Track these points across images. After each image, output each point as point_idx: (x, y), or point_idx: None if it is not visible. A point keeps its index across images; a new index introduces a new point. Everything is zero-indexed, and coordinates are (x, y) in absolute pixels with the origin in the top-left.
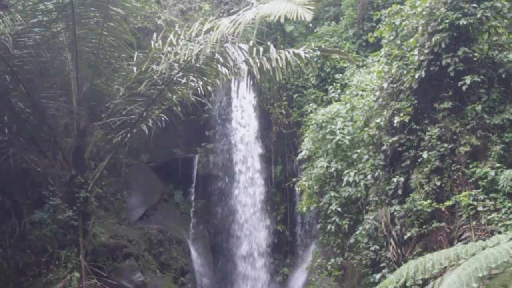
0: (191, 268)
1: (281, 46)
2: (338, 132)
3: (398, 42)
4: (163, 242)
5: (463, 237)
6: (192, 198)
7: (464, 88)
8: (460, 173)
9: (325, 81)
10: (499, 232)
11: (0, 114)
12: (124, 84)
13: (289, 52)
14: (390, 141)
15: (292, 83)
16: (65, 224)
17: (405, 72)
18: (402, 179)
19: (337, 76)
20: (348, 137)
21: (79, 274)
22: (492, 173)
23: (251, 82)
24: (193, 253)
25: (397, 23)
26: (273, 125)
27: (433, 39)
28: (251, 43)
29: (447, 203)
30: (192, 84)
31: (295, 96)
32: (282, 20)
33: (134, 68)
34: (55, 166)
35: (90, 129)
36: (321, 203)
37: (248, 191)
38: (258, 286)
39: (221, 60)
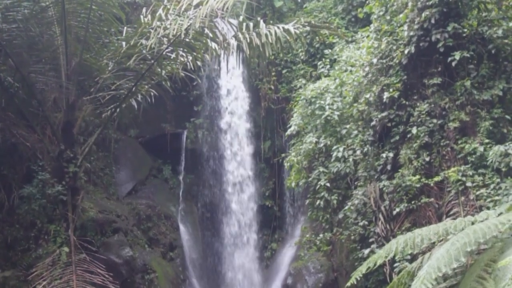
0: (180, 243)
1: (271, 22)
2: (327, 107)
3: (388, 17)
4: (151, 217)
5: (451, 212)
6: (181, 173)
7: (453, 64)
8: (449, 149)
9: (314, 57)
10: (488, 208)
11: None
12: (113, 59)
13: (278, 27)
14: (379, 116)
15: (281, 58)
16: (54, 198)
17: (394, 47)
18: (391, 154)
19: (326, 51)
20: (337, 113)
21: (68, 248)
22: (481, 148)
23: (241, 58)
24: (182, 228)
25: None
26: (262, 100)
27: (423, 15)
28: (240, 18)
29: (436, 178)
30: (182, 59)
31: (284, 71)
32: None
33: (123, 43)
34: (44, 140)
35: (79, 103)
36: (310, 179)
37: (237, 166)
38: (246, 261)
39: (211, 35)
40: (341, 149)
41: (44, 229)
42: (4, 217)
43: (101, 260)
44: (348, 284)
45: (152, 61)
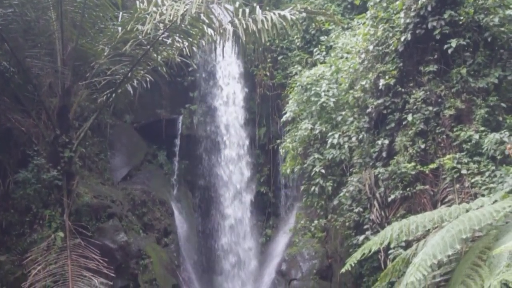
0: (174, 229)
1: (267, 8)
2: (322, 94)
3: (384, 4)
4: (146, 202)
5: (446, 199)
6: (176, 159)
7: (449, 51)
8: (444, 136)
9: (310, 43)
10: (483, 195)
11: None
12: (109, 44)
13: (274, 13)
14: (375, 103)
15: (277, 45)
16: (49, 183)
17: (390, 34)
18: (386, 141)
19: (322, 38)
20: (333, 99)
21: (63, 233)
22: (476, 136)
23: (236, 44)
24: (177, 214)
25: None
26: (258, 87)
27: (420, 2)
28: (237, 4)
29: (431, 165)
30: (178, 44)
31: (279, 58)
32: None
33: (119, 28)
34: (39, 125)
35: (74, 88)
36: (305, 165)
37: (232, 153)
38: (241, 246)
39: (207, 21)
40: (336, 135)
41: (39, 214)
42: None
43: (96, 245)
44: (343, 270)
45: (148, 47)
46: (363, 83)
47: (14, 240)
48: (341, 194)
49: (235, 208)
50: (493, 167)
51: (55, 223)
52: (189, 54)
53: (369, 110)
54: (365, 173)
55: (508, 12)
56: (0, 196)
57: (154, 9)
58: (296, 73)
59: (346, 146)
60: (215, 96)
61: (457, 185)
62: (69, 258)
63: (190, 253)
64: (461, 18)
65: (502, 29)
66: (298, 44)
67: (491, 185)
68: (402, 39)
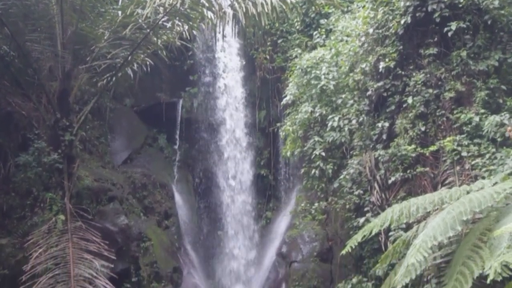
0: (175, 212)
1: None
2: (322, 77)
3: None
4: (147, 185)
5: (447, 182)
6: (176, 142)
7: (449, 34)
8: (444, 119)
9: (310, 27)
10: (483, 177)
11: None
12: (109, 28)
13: None
14: (375, 86)
15: (277, 28)
16: (50, 167)
17: (390, 17)
18: (386, 124)
19: (322, 21)
20: (333, 82)
21: (64, 216)
22: (477, 118)
23: (236, 27)
24: (177, 197)
25: None
26: (257, 70)
27: None
28: None
29: (432, 148)
30: (178, 28)
31: (279, 41)
32: None
33: (119, 12)
34: (39, 109)
35: (75, 72)
36: (305, 148)
37: (232, 136)
38: (241, 229)
39: (207, 4)
40: (336, 118)
41: (40, 197)
42: (0, 185)
43: (97, 228)
44: (343, 252)
45: (148, 30)
46: (363, 66)
47: (15, 223)
48: (342, 176)
49: (235, 191)
50: (494, 149)
51: (56, 206)
52: (189, 38)
53: (369, 92)
54: (366, 156)
55: None
56: (1, 180)
57: None
58: (296, 56)
59: (346, 128)
60: (215, 80)
61: (458, 167)
62: (70, 241)
63: (191, 235)
64: (461, 1)
65: (502, 11)
66: (298, 27)
67: (492, 167)
68: (402, 22)
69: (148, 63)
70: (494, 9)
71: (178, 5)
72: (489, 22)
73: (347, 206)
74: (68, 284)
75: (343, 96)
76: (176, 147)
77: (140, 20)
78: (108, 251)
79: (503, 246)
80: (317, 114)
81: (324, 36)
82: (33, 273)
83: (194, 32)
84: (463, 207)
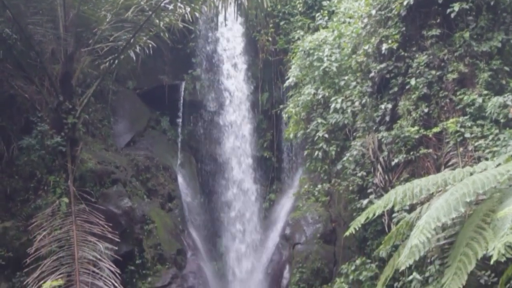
0: (178, 194)
1: None
2: (325, 59)
3: None
4: (150, 168)
5: (450, 163)
6: (179, 124)
7: (452, 15)
8: (447, 100)
9: (312, 8)
10: (486, 159)
11: None
12: (111, 10)
13: None
14: (378, 68)
15: (279, 10)
16: (53, 149)
17: None
18: (389, 105)
19: (324, 3)
20: (336, 64)
21: (67, 199)
22: (480, 100)
23: (239, 9)
24: (180, 179)
25: None
26: (260, 52)
27: None
28: None
29: (435, 129)
30: (180, 10)
31: (282, 23)
32: None
33: None
34: (42, 92)
35: (77, 55)
36: (308, 130)
37: (235, 118)
38: (245, 211)
39: None
40: (339, 100)
41: (43, 180)
42: (3, 168)
43: (100, 211)
44: (347, 234)
45: (150, 13)
46: (366, 47)
47: (19, 206)
48: (345, 158)
49: (239, 173)
50: (497, 131)
51: (59, 189)
52: (191, 20)
53: (372, 74)
54: (369, 137)
55: None
56: (5, 163)
57: None
58: (298, 38)
59: (349, 110)
60: (218, 62)
61: (461, 149)
62: (74, 224)
63: (194, 217)
64: None
65: None
66: (300, 9)
67: (495, 149)
68: (405, 3)
69: (150, 45)
70: None
71: None
72: (492, 3)
73: (350, 188)
74: (72, 267)
75: (346, 78)
76: (179, 129)
77: (142, 2)
78: (112, 234)
79: (506, 227)
80: (320, 96)
81: (326, 18)
82: (37, 256)
83: (197, 14)
84: (467, 189)
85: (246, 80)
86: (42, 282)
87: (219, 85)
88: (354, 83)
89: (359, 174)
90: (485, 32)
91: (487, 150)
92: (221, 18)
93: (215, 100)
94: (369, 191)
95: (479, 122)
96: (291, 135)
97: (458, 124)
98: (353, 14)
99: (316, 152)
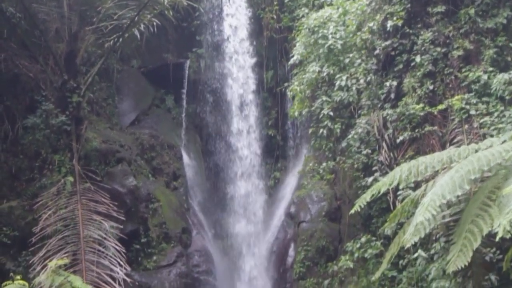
0: (183, 173)
1: None
2: (330, 36)
3: None
4: (155, 147)
5: (455, 140)
6: (184, 103)
7: None
8: (452, 77)
9: None
10: (492, 136)
11: None
12: None
13: None
14: (383, 45)
15: None
16: (58, 129)
17: None
18: (394, 83)
19: None
20: (340, 42)
21: (72, 178)
22: (485, 77)
23: None
24: (185, 158)
25: None
26: (264, 30)
27: None
28: None
29: (440, 106)
30: None
31: (286, 0)
32: None
33: None
34: (46, 71)
35: (81, 34)
36: (313, 108)
37: (240, 96)
38: (250, 189)
39: None
40: (344, 78)
41: (48, 159)
42: (8, 147)
43: (105, 190)
44: (352, 211)
45: None
46: (371, 24)
47: (24, 185)
48: (350, 136)
49: (244, 151)
50: (502, 108)
51: (64, 168)
52: None
53: (377, 51)
54: (374, 115)
55: None
56: (9, 142)
57: None
58: (303, 16)
59: (354, 88)
60: (222, 40)
61: (466, 126)
62: (79, 203)
63: (199, 196)
64: None
65: None
66: None
67: (500, 125)
68: None
69: (154, 23)
70: None
71: None
72: None
73: (355, 166)
74: (77, 245)
75: (351, 55)
76: (183, 108)
77: None
78: (117, 212)
79: (511, 204)
80: (325, 74)
81: None
82: (42, 235)
83: None
84: (472, 166)
85: (251, 58)
86: (47, 261)
87: (224, 63)
88: (359, 61)
89: (364, 152)
90: (490, 9)
91: (492, 127)
92: None
93: (220, 78)
94: (374, 168)
95: (484, 99)
96: (296, 113)
97: (463, 101)
98: None
99: (321, 130)
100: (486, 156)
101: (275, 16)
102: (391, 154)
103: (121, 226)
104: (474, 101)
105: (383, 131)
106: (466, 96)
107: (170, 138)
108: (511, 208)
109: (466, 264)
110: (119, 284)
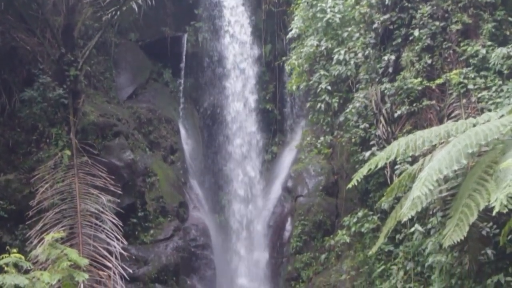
0: (180, 147)
1: None
2: (328, 10)
3: None
4: (152, 120)
5: (453, 114)
6: (182, 77)
7: None
8: (451, 51)
9: None
10: (489, 110)
11: None
12: None
13: None
14: (381, 19)
15: None
16: (55, 102)
17: None
18: (393, 57)
19: None
20: (339, 15)
21: (69, 151)
22: (483, 51)
23: None
24: (182, 132)
25: None
26: (263, 3)
27: None
28: None
29: (438, 81)
30: None
31: None
32: None
33: None
34: (44, 44)
35: (79, 7)
36: (311, 82)
37: (238, 70)
38: (247, 163)
39: None
40: (342, 52)
41: (45, 132)
42: (5, 120)
43: (103, 163)
44: (349, 186)
45: None
46: None
47: (21, 158)
48: (347, 110)
49: (241, 125)
50: (500, 82)
51: (61, 141)
52: None
53: (375, 25)
54: (371, 89)
55: None
56: (7, 115)
57: None
58: None
59: (352, 62)
60: (220, 14)
61: (464, 100)
62: (76, 176)
63: (197, 170)
64: None
65: None
66: None
67: (498, 100)
68: None
69: None
70: None
71: None
72: None
73: (353, 140)
74: (74, 219)
75: (349, 29)
76: (181, 81)
77: None
78: (114, 186)
79: (509, 178)
80: (323, 48)
81: None
82: (39, 208)
83: None
84: (469, 140)
85: (249, 31)
86: (44, 234)
87: (222, 37)
88: (357, 35)
89: (362, 126)
90: None
91: (490, 101)
92: None
93: (218, 52)
94: (371, 143)
95: (482, 73)
96: (294, 87)
97: (462, 76)
98: None
99: (319, 104)
100: (483, 130)
101: None
102: (389, 129)
103: (118, 200)
104: (472, 75)
105: (381, 105)
106: (464, 70)
107: (168, 112)
108: (508, 182)
109: (462, 238)
110: (116, 258)
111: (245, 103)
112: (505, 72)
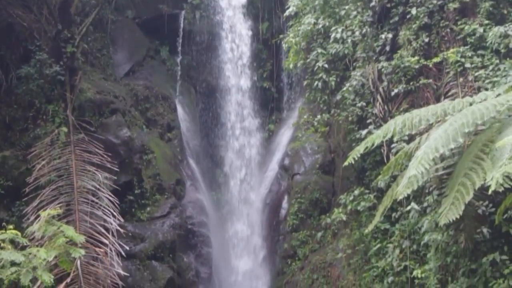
0: (177, 124)
1: None
2: None
3: None
4: (149, 98)
5: (450, 93)
6: (179, 54)
7: None
8: (448, 30)
9: None
10: (486, 89)
11: None
12: None
13: None
14: None
15: None
16: (52, 79)
17: None
18: (390, 35)
19: None
20: None
21: (66, 128)
22: (481, 30)
23: None
24: (180, 109)
25: None
26: None
27: None
28: None
29: (435, 59)
30: None
31: None
32: None
33: None
34: (41, 20)
35: None
36: (308, 60)
37: (235, 47)
38: (244, 141)
39: None
40: (339, 30)
41: (42, 109)
42: (2, 97)
43: (100, 140)
44: (345, 164)
45: None
46: None
47: (18, 135)
48: (344, 88)
49: (238, 102)
50: (497, 61)
51: (58, 118)
52: None
53: (372, 3)
54: (369, 67)
55: None
56: (3, 92)
57: None
58: None
59: (349, 40)
60: None
61: (461, 79)
62: (73, 153)
63: (193, 148)
64: None
65: None
66: None
67: (495, 79)
68: None
69: None
70: None
71: None
72: None
73: (350, 118)
74: (71, 196)
75: (347, 7)
76: (178, 59)
77: None
78: (111, 163)
79: (505, 157)
80: (320, 26)
81: None
82: (36, 185)
83: None
84: (466, 119)
85: (246, 9)
86: (41, 211)
87: (219, 15)
88: (354, 13)
89: (359, 105)
90: None
91: (487, 80)
92: None
93: (215, 29)
94: (368, 121)
95: (479, 52)
96: (291, 65)
97: (459, 54)
98: None
99: (316, 82)
100: (480, 109)
101: None
102: (386, 107)
103: (115, 177)
104: (469, 54)
105: (378, 83)
106: (461, 49)
107: (165, 89)
108: (504, 161)
109: (458, 217)
110: (113, 235)
111: (242, 81)
112: (502, 51)
